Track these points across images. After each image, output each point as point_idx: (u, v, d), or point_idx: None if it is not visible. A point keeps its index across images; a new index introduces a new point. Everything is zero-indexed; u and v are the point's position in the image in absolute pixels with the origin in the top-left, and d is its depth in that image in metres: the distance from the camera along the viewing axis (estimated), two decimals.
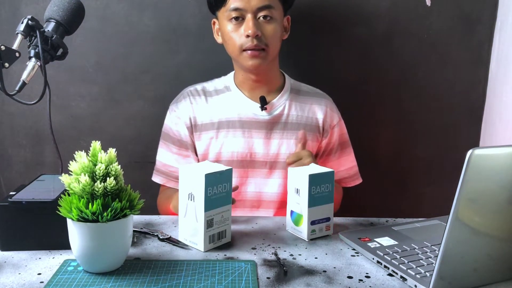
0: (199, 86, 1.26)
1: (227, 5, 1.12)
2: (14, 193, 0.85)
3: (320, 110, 1.25)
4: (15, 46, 0.87)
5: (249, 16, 1.11)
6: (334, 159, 1.27)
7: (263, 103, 1.19)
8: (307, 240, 0.92)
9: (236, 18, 1.12)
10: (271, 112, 1.21)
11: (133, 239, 0.88)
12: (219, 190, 0.86)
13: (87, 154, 0.76)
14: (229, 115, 1.21)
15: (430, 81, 1.48)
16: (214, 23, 1.22)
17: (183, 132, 1.22)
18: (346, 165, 1.28)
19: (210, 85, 1.26)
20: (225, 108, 1.21)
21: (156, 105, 1.43)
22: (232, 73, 1.26)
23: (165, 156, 1.24)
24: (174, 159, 1.22)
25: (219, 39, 1.21)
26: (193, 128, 1.22)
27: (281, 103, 1.22)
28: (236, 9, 1.11)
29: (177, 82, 1.40)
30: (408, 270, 0.77)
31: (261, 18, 1.13)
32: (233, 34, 1.13)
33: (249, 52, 1.12)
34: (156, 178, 1.25)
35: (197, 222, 0.85)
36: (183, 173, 0.87)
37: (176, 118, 1.22)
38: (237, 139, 1.20)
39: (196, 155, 1.22)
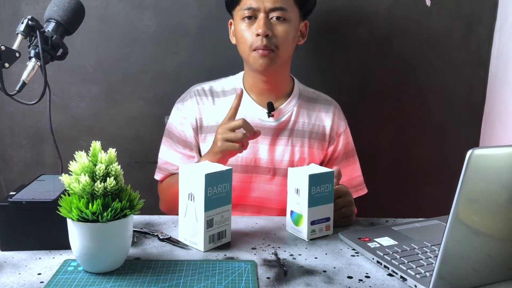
0: (206, 86, 1.24)
1: (241, 4, 1.12)
2: (14, 193, 0.85)
3: (327, 117, 1.23)
4: (15, 46, 0.86)
5: (261, 16, 1.10)
6: None
7: (271, 109, 1.17)
8: (307, 240, 0.92)
9: (249, 17, 1.11)
10: (278, 119, 1.20)
11: (133, 239, 0.88)
12: (219, 190, 0.86)
13: (87, 154, 0.76)
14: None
15: (430, 81, 1.48)
16: (230, 24, 1.21)
17: (188, 133, 1.21)
18: (350, 175, 1.25)
19: (218, 85, 1.24)
20: None
21: (156, 105, 1.43)
22: (241, 74, 1.24)
23: (168, 154, 1.22)
24: (178, 158, 1.21)
25: (233, 40, 1.20)
26: (198, 129, 1.20)
27: (288, 109, 1.21)
28: (249, 8, 1.11)
29: (177, 82, 1.40)
30: (408, 270, 0.77)
31: (274, 18, 1.11)
32: (245, 33, 1.12)
33: (259, 51, 1.11)
34: (158, 176, 1.25)
35: (197, 222, 0.85)
36: (183, 173, 0.87)
37: (182, 118, 1.21)
38: None
39: (200, 156, 1.20)
